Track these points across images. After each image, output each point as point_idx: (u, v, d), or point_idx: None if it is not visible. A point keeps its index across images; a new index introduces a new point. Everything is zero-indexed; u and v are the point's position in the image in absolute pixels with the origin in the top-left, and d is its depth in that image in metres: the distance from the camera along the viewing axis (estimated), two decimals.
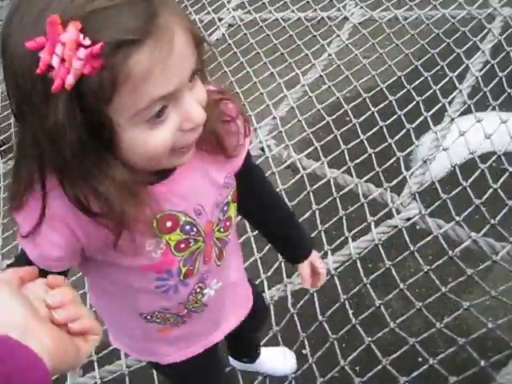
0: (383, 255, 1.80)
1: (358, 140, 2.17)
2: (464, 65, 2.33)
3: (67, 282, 0.74)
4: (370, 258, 1.97)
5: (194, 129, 0.77)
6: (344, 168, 2.11)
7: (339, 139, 2.21)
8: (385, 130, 2.17)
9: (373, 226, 1.88)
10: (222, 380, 1.44)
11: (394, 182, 2.00)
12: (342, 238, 1.91)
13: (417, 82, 2.33)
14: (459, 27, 2.50)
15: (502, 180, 1.92)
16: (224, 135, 0.91)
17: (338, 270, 1.82)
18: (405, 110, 2.21)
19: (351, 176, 2.07)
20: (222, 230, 1.00)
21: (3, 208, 2.40)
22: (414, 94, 2.28)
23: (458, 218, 1.82)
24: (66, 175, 0.74)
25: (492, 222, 1.79)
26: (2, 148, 3.09)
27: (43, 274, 0.72)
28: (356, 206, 1.97)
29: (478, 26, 2.48)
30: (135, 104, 0.69)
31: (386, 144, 2.12)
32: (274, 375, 1.77)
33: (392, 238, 1.91)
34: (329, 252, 1.86)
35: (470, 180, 1.93)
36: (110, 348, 1.85)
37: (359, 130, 2.21)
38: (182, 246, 0.93)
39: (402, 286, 1.71)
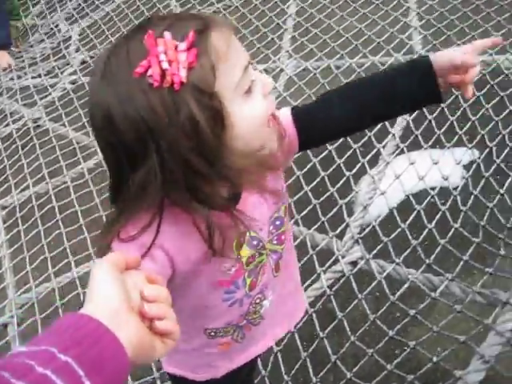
0: (334, 305, 1.92)
1: (303, 192, 2.31)
2: None
3: (164, 284, 0.79)
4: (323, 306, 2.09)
5: (269, 94, 0.90)
6: (292, 220, 2.23)
7: None
8: (326, 179, 2.31)
9: (322, 277, 2.00)
10: None
11: (338, 230, 2.14)
12: None
13: None
14: None
15: (436, 219, 2.08)
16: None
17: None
18: (343, 159, 2.37)
19: (298, 226, 2.20)
20: (274, 242, 1.06)
21: None
22: (350, 141, 2.43)
23: (397, 260, 1.97)
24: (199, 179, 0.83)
25: (427, 261, 1.94)
26: None
27: None
28: (306, 257, 2.08)
29: None
30: (233, 76, 0.83)
31: (329, 193, 2.27)
32: None
33: (340, 281, 2.03)
34: None
35: (408, 222, 2.08)
36: None
37: (303, 181, 2.34)
38: (251, 260, 1.01)
39: (352, 338, 1.84)
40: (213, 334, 1.10)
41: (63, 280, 2.38)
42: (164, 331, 0.72)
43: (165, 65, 0.77)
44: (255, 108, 0.87)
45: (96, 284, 0.70)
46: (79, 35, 3.97)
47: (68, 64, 3.74)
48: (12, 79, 3.85)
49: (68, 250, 2.49)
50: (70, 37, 3.99)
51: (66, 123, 3.21)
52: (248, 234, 0.98)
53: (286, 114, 1.08)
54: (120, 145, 0.82)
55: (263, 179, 0.94)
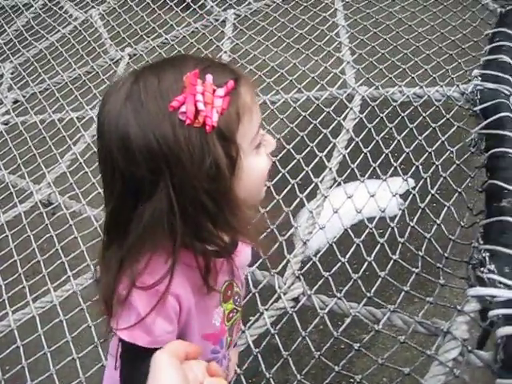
0: (279, 343, 1.90)
1: None
2: (331, 144, 2.54)
3: (224, 374, 0.80)
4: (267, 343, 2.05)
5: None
6: None
7: None
8: (265, 215, 2.30)
9: (265, 314, 1.99)
10: None
11: (280, 266, 2.13)
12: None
13: (290, 166, 2.50)
14: (323, 108, 2.72)
15: (375, 251, 2.10)
16: None
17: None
18: (282, 195, 2.37)
19: None
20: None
21: None
22: (288, 177, 2.44)
23: (338, 295, 1.97)
24: (217, 213, 0.85)
25: (368, 294, 1.94)
26: None
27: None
28: (248, 296, 2.05)
29: (340, 105, 2.71)
30: (251, 130, 0.89)
31: (269, 230, 2.25)
32: None
33: (283, 318, 2.02)
34: None
35: (347, 255, 2.10)
36: None
37: None
38: (231, 315, 1.03)
39: (299, 377, 1.81)
40: None
41: None
42: None
43: (200, 106, 0.80)
44: (261, 163, 0.93)
45: (160, 376, 0.72)
46: (11, 73, 3.89)
47: (0, 103, 3.65)
48: None
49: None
50: (2, 74, 3.90)
51: (2, 166, 3.12)
52: (235, 287, 1.03)
53: None
54: (131, 173, 0.82)
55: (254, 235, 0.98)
